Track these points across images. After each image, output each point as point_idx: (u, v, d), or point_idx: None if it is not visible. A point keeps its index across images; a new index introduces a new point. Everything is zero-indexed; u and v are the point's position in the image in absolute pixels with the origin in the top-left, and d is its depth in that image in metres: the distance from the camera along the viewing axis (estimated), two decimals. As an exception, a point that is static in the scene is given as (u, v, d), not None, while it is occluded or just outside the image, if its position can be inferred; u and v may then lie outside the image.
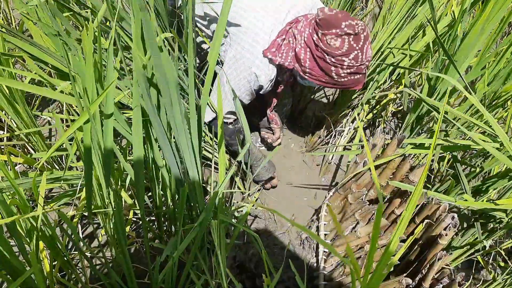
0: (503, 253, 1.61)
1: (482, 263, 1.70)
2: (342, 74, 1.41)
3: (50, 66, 1.46)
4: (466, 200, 1.41)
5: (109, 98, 0.80)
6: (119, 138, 1.54)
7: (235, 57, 1.52)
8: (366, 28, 1.37)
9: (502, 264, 1.76)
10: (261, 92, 1.61)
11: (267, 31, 1.48)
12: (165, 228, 1.49)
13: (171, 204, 1.26)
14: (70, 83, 0.96)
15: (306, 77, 1.49)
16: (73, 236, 1.06)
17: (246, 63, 1.51)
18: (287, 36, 1.47)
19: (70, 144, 1.11)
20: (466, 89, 1.43)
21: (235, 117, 1.69)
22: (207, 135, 1.79)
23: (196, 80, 1.57)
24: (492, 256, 1.76)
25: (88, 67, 0.76)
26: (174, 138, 0.97)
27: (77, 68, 0.88)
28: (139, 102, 0.75)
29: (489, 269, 1.73)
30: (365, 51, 1.38)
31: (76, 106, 1.21)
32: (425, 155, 1.76)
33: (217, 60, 1.64)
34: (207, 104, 1.65)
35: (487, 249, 1.53)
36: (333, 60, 1.37)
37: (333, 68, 1.40)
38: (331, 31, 1.35)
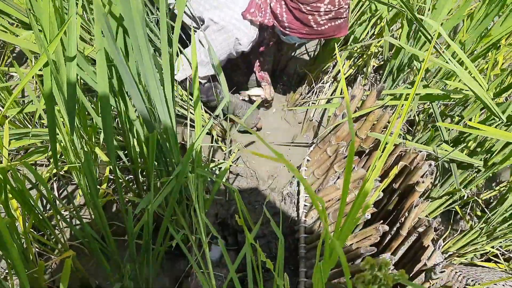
0: (480, 201, 1.64)
1: (460, 213, 1.73)
2: (321, 22, 1.38)
3: (16, 20, 1.39)
4: (446, 150, 1.42)
5: (71, 40, 0.76)
6: (93, 94, 1.50)
7: (215, 23, 1.49)
8: None
9: (479, 213, 1.80)
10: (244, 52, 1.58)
11: None
12: (144, 186, 1.47)
13: (147, 159, 1.24)
14: (33, 33, 0.92)
15: (287, 32, 1.47)
16: (45, 192, 1.03)
17: (227, 27, 1.48)
18: None
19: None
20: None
21: (209, 76, 1.67)
22: (184, 94, 1.75)
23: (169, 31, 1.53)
24: (470, 207, 1.79)
25: (44, 6, 0.71)
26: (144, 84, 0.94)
27: (37, 11, 0.83)
28: (101, 38, 0.71)
29: (467, 219, 1.76)
30: None
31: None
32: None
33: (195, 18, 1.59)
34: (182, 62, 1.63)
35: (465, 198, 1.55)
36: (308, 8, 1.34)
37: (310, 17, 1.37)
38: None
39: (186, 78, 1.64)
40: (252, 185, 1.86)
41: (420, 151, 1.30)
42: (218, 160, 1.87)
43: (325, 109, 2.10)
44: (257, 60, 1.85)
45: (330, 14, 1.35)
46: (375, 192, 0.78)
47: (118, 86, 1.03)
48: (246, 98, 1.97)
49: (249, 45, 1.53)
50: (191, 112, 1.68)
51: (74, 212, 1.19)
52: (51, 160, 1.48)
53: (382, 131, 1.43)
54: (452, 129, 1.53)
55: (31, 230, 1.16)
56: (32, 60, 1.34)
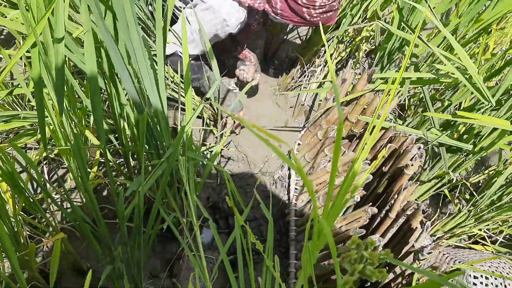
0: (468, 185, 1.66)
1: (449, 197, 1.75)
2: (314, 15, 1.39)
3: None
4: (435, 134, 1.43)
5: (59, 20, 0.75)
6: (83, 77, 1.48)
7: (203, 2, 1.47)
8: None
9: (468, 197, 1.82)
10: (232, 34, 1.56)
11: None
12: (135, 170, 1.47)
13: (138, 142, 1.24)
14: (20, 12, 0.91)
15: (278, 18, 1.46)
16: (35, 175, 1.03)
17: (215, 7, 1.46)
18: None
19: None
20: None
21: (196, 55, 1.64)
22: (176, 76, 1.74)
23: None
24: (458, 190, 1.82)
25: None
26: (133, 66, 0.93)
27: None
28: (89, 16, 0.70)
29: (455, 202, 1.79)
30: None
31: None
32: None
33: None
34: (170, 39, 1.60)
35: (454, 181, 1.57)
36: (304, 1, 1.35)
37: (304, 10, 1.38)
38: None
39: (172, 56, 1.62)
40: (243, 169, 1.87)
41: (410, 135, 1.31)
42: (210, 144, 1.87)
43: (317, 93, 2.10)
44: (243, 40, 1.83)
45: (324, 8, 1.36)
46: (363, 174, 0.79)
47: (108, 68, 1.02)
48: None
49: (237, 27, 1.51)
50: (181, 95, 1.67)
51: (65, 195, 1.18)
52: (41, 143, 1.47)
53: (373, 114, 1.44)
54: (444, 112, 1.54)
55: (21, 213, 1.16)
56: (20, 42, 1.32)
